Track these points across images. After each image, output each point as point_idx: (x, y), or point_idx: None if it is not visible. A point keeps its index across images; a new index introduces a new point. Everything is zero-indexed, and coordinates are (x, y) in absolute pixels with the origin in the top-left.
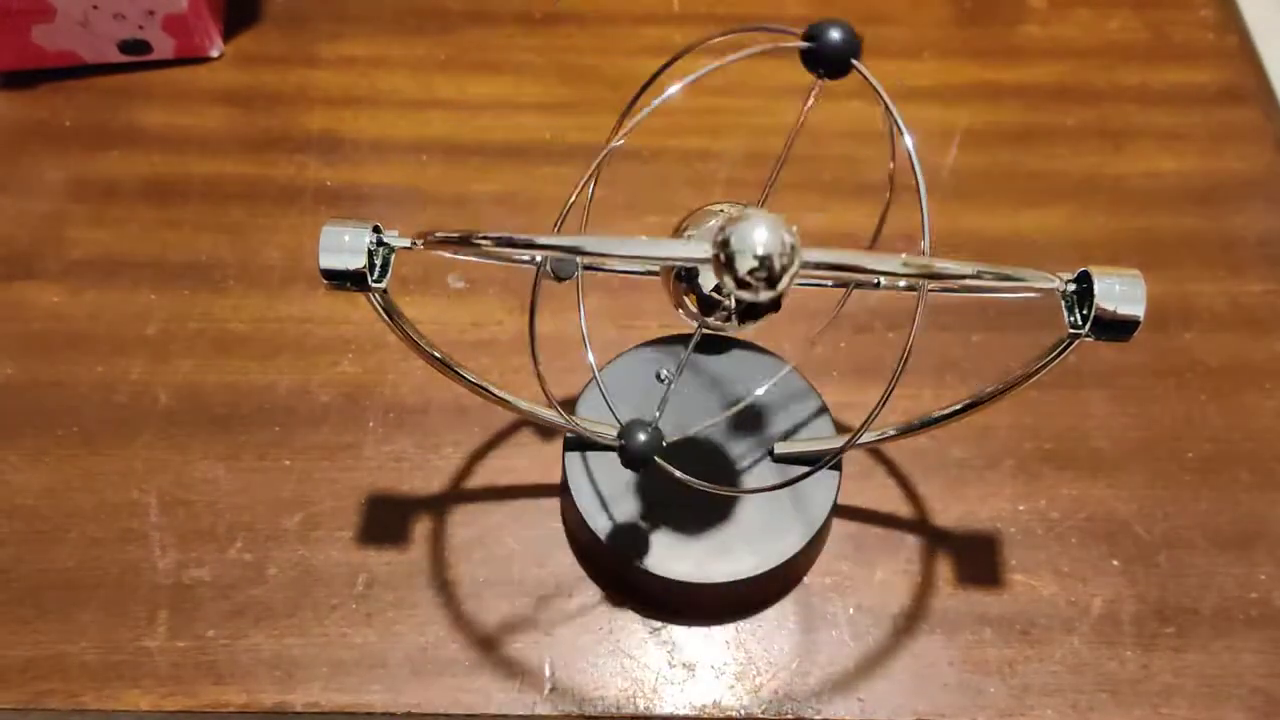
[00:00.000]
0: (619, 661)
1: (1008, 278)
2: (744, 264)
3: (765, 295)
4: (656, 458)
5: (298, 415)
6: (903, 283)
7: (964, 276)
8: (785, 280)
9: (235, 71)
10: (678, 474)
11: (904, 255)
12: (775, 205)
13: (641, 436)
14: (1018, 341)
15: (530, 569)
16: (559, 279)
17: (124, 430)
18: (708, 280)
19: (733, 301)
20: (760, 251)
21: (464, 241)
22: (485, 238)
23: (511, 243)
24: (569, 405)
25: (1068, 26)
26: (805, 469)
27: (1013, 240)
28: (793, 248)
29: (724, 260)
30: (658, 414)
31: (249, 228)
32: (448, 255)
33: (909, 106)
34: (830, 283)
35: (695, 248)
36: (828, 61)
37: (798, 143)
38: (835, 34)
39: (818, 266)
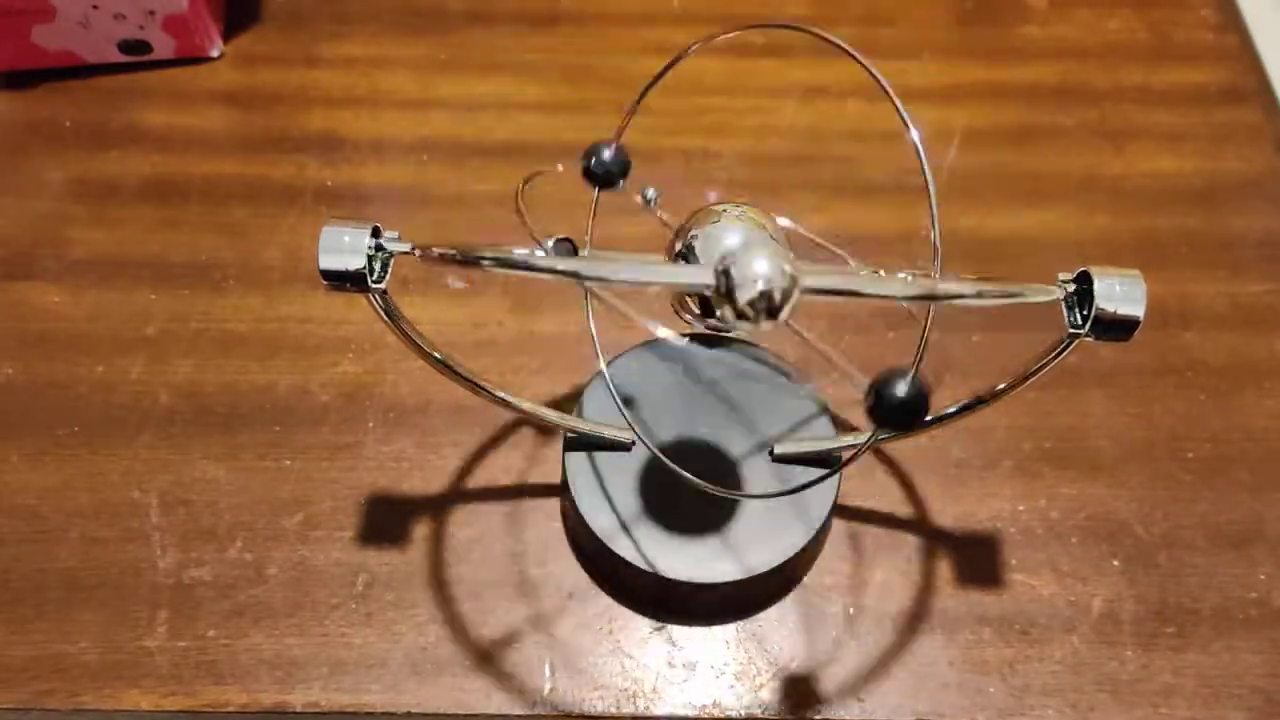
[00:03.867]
0: (619, 661)
1: (1009, 294)
2: (744, 295)
3: (766, 325)
4: (666, 459)
5: (298, 415)
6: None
7: (966, 297)
8: (785, 310)
9: (235, 71)
10: (693, 479)
11: (907, 275)
12: (776, 205)
13: (902, 389)
14: (1018, 341)
15: (530, 569)
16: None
17: (124, 430)
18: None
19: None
20: (761, 286)
21: (463, 260)
22: (483, 257)
23: (511, 264)
24: (570, 405)
25: (1068, 26)
26: (817, 471)
27: (1013, 240)
28: (793, 278)
29: (724, 291)
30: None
31: (249, 228)
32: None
33: (909, 106)
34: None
35: (696, 273)
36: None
37: (798, 143)
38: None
39: (818, 293)
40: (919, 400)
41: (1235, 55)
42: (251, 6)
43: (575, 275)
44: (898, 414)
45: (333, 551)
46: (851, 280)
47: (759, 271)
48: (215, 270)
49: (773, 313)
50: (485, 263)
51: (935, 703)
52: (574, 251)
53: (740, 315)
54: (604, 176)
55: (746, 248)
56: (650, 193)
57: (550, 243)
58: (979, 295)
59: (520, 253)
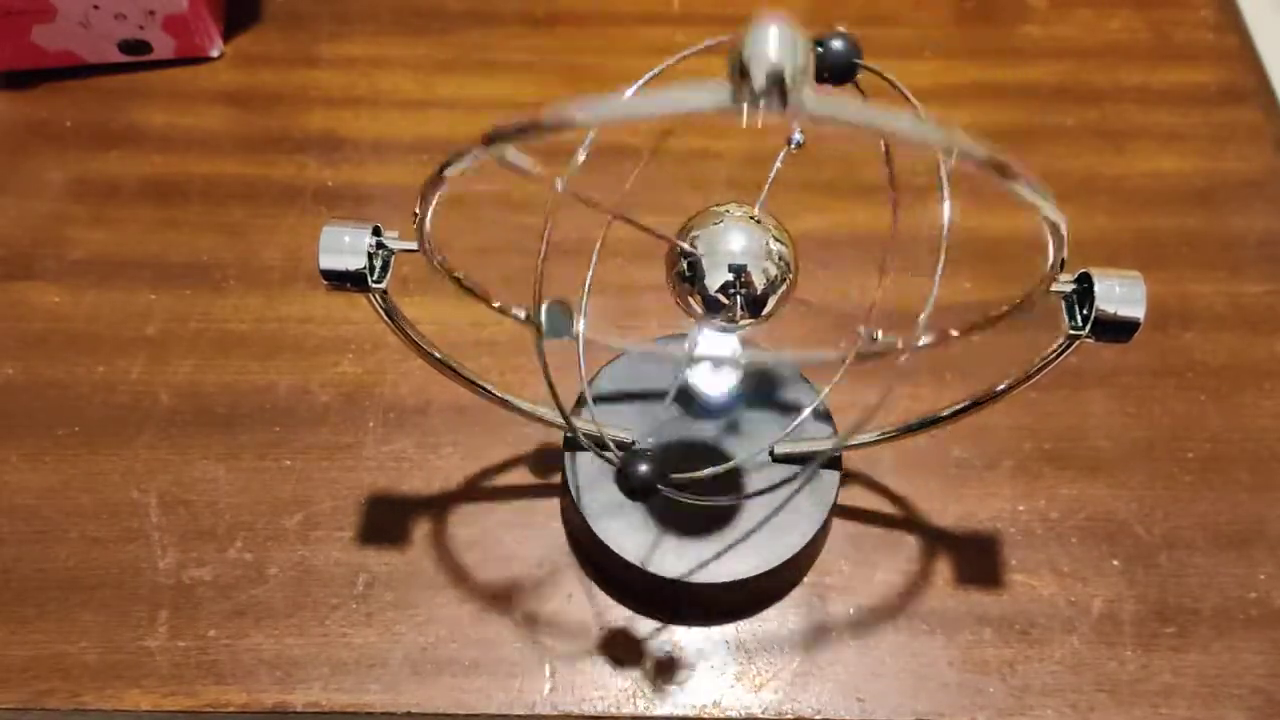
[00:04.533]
0: (619, 661)
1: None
2: (759, 72)
3: (779, 106)
4: (660, 486)
5: (298, 415)
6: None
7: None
8: (803, 90)
9: (235, 71)
10: (682, 498)
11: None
12: (776, 205)
13: (643, 467)
14: (1018, 341)
15: (530, 569)
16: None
17: (124, 430)
18: (713, 280)
19: (737, 301)
20: (773, 63)
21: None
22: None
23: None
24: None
25: (1068, 26)
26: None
27: (1013, 240)
28: (806, 49)
29: (740, 69)
30: (652, 442)
31: (249, 228)
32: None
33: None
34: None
35: (705, 96)
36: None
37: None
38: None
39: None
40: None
41: (1235, 55)
42: (251, 6)
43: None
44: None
45: (333, 551)
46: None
47: (771, 45)
48: (215, 270)
49: (784, 97)
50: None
51: (935, 703)
52: (569, 313)
53: (711, 306)
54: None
55: (754, 25)
56: (798, 136)
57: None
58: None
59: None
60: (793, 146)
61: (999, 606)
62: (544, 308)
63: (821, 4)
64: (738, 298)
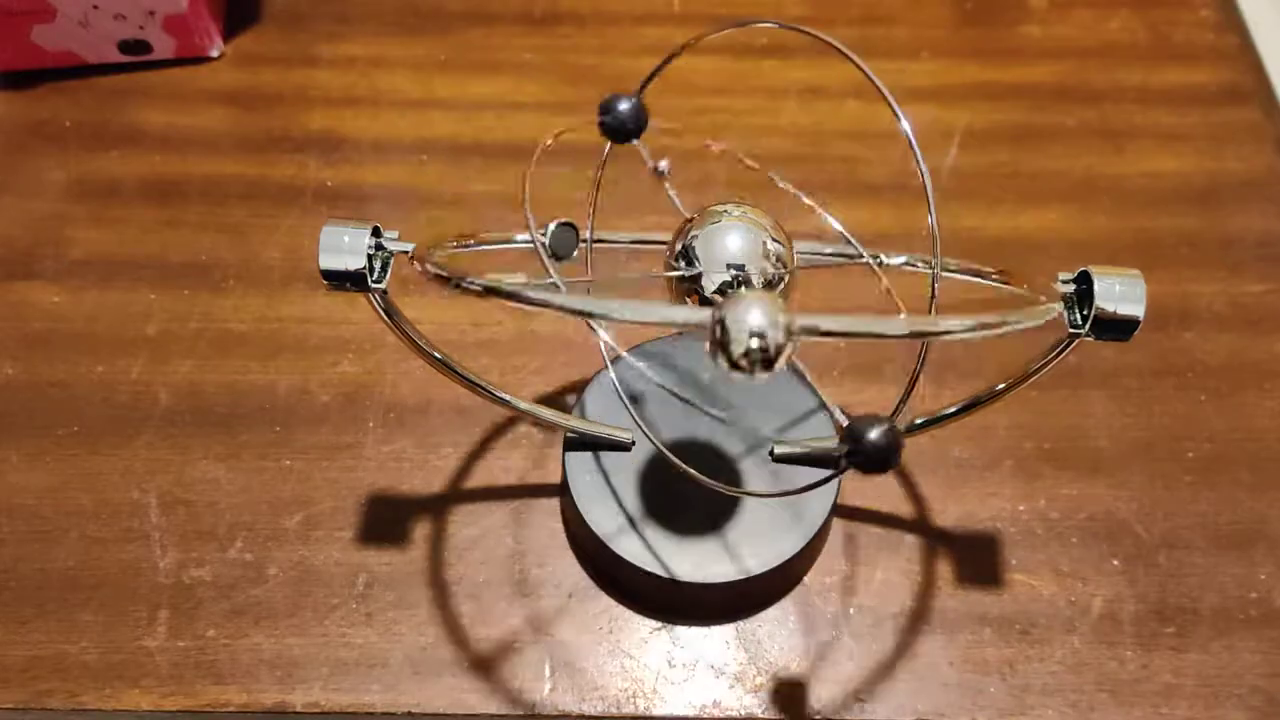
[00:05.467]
0: (619, 661)
1: (1009, 323)
2: (738, 348)
3: (762, 376)
4: (670, 454)
5: (298, 415)
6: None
7: (961, 332)
8: (781, 361)
9: (235, 71)
10: (699, 476)
11: (904, 315)
12: (776, 205)
13: (875, 434)
14: (1018, 341)
15: (530, 569)
16: (558, 259)
17: (124, 430)
18: (710, 283)
19: None
20: (754, 344)
21: (456, 285)
22: (473, 284)
23: (500, 293)
24: (570, 405)
25: (1068, 26)
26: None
27: (1013, 240)
28: (788, 330)
29: (719, 340)
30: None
31: (249, 228)
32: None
33: (909, 106)
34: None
35: (694, 314)
36: None
37: (797, 143)
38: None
39: (813, 334)
40: (891, 447)
41: (1235, 55)
42: (251, 6)
43: (579, 313)
44: (871, 461)
45: (333, 551)
46: (847, 321)
47: (753, 324)
48: (215, 270)
49: (768, 363)
50: (474, 288)
51: (935, 703)
52: (575, 234)
53: (735, 366)
54: (620, 130)
55: (739, 299)
56: (664, 165)
57: (552, 226)
58: (978, 327)
59: (512, 281)
60: (660, 173)
61: (999, 606)
62: (551, 227)
63: (821, 5)
64: None
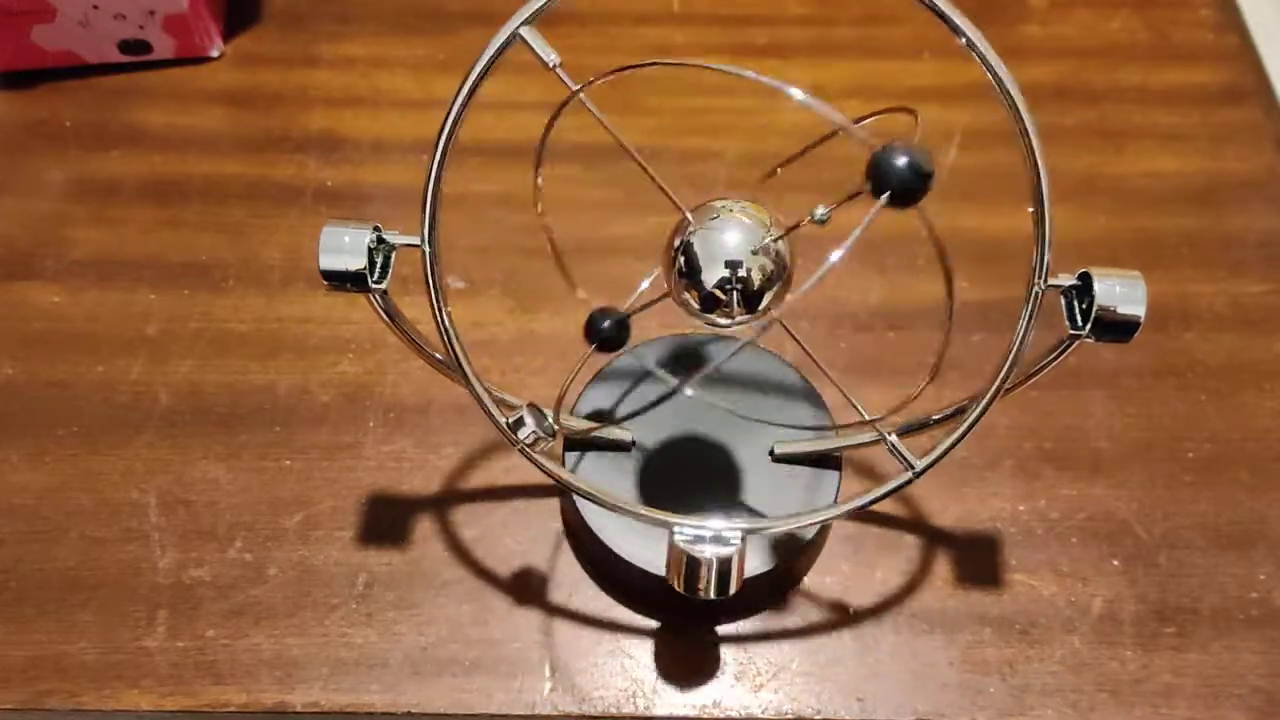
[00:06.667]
0: (619, 661)
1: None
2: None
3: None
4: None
5: (298, 415)
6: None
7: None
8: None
9: (235, 71)
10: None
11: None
12: (775, 206)
13: (903, 161)
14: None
15: (530, 569)
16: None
17: (124, 430)
18: (710, 277)
19: (733, 297)
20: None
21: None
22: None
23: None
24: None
25: (1068, 26)
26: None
27: (1013, 240)
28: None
29: (686, 273)
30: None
31: (249, 228)
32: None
33: (910, 106)
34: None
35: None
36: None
37: (798, 143)
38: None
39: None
40: (920, 174)
41: (1235, 55)
42: (251, 6)
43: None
44: (902, 185)
45: (333, 551)
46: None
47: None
48: (215, 270)
49: (748, 300)
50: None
51: (935, 703)
52: (542, 417)
53: (708, 302)
54: (607, 342)
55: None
56: (820, 212)
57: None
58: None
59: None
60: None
61: (999, 606)
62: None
63: (822, 5)
64: (734, 293)
